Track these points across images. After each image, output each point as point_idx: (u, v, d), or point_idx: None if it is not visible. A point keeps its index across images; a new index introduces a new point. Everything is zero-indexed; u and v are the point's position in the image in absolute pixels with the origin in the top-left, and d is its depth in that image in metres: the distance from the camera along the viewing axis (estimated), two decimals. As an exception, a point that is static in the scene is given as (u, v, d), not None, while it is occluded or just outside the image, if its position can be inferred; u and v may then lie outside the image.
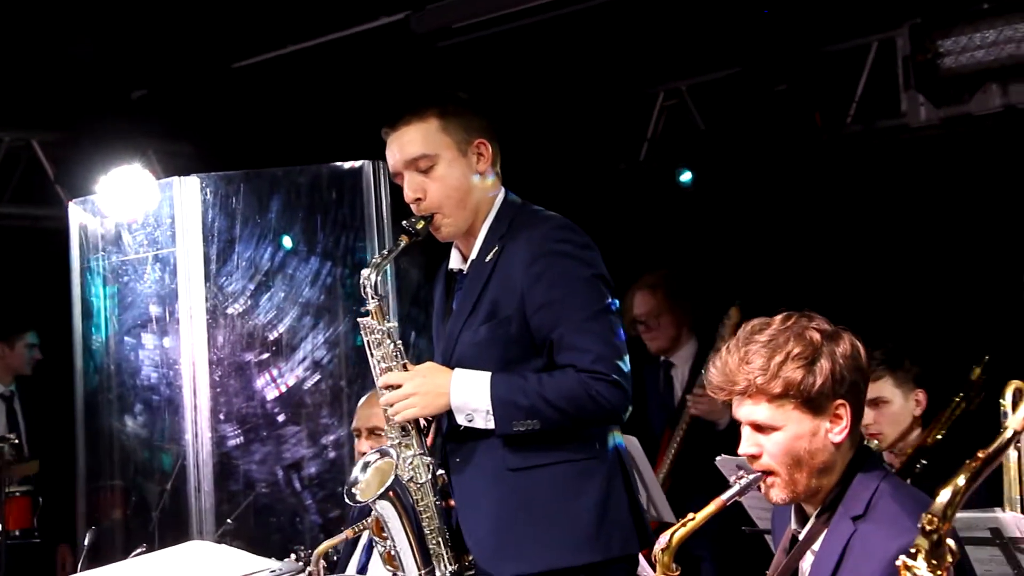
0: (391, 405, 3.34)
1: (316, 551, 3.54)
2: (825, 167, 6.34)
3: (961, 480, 1.96)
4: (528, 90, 6.66)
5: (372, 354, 3.41)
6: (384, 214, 5.55)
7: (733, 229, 6.70)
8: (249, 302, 5.67)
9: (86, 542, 4.66)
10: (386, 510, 3.33)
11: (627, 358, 3.31)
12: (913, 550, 2.01)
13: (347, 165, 5.62)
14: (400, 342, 3.41)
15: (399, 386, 3.34)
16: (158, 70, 6.93)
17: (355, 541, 4.22)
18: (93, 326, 5.97)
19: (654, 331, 5.69)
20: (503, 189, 3.49)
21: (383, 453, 3.41)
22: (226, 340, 5.59)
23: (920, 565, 2.01)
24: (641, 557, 3.51)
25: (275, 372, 5.72)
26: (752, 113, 6.39)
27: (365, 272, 3.37)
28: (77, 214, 6.01)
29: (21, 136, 7.38)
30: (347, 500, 3.39)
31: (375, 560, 4.04)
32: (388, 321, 3.40)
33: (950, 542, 1.99)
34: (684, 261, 6.40)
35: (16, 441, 5.98)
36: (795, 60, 6.21)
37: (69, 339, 6.06)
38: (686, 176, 6.81)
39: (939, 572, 2.00)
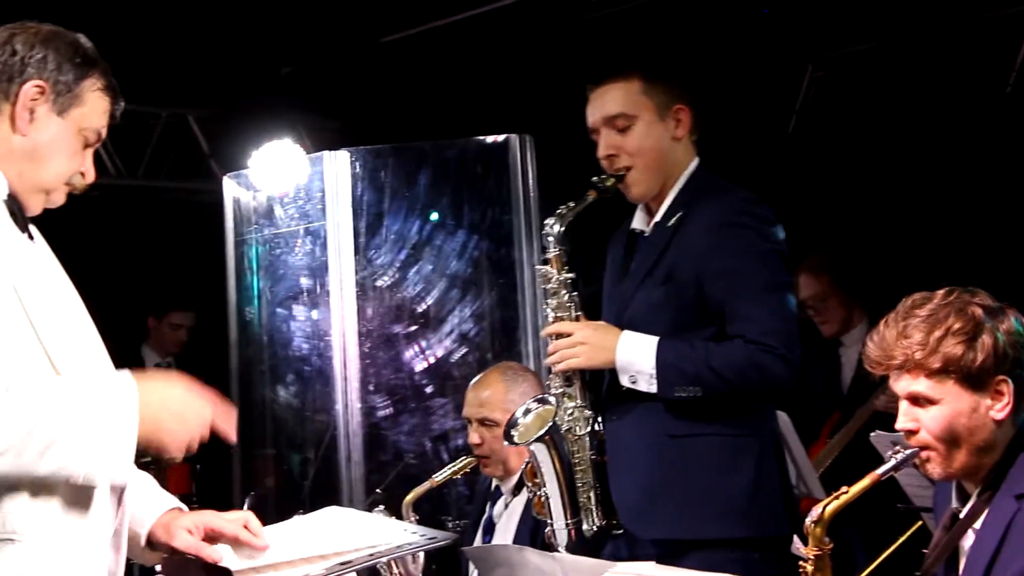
0: (557, 352, 3.37)
1: (405, 501, 3.64)
2: (983, 137, 6.15)
3: None
4: (672, 63, 6.58)
5: (547, 303, 3.44)
6: (530, 188, 5.55)
7: (885, 203, 6.54)
8: (397, 275, 5.73)
9: (246, 507, 4.80)
10: (541, 455, 3.37)
11: (797, 335, 3.29)
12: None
13: (493, 139, 5.64)
14: (576, 293, 3.43)
15: (569, 335, 3.36)
16: (307, 46, 7.04)
17: (482, 504, 4.27)
18: (246, 298, 6.11)
19: (823, 315, 5.51)
20: (697, 158, 3.50)
21: (544, 401, 3.44)
22: (375, 312, 5.67)
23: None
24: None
25: (423, 344, 5.78)
26: (904, 85, 6.22)
27: (549, 221, 3.41)
28: (231, 188, 6.14)
29: (177, 112, 7.57)
30: (504, 440, 3.45)
31: (501, 524, 4.09)
32: (566, 271, 3.42)
33: None
34: (839, 235, 6.25)
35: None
36: (950, 29, 6.03)
37: (224, 310, 6.21)
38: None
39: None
